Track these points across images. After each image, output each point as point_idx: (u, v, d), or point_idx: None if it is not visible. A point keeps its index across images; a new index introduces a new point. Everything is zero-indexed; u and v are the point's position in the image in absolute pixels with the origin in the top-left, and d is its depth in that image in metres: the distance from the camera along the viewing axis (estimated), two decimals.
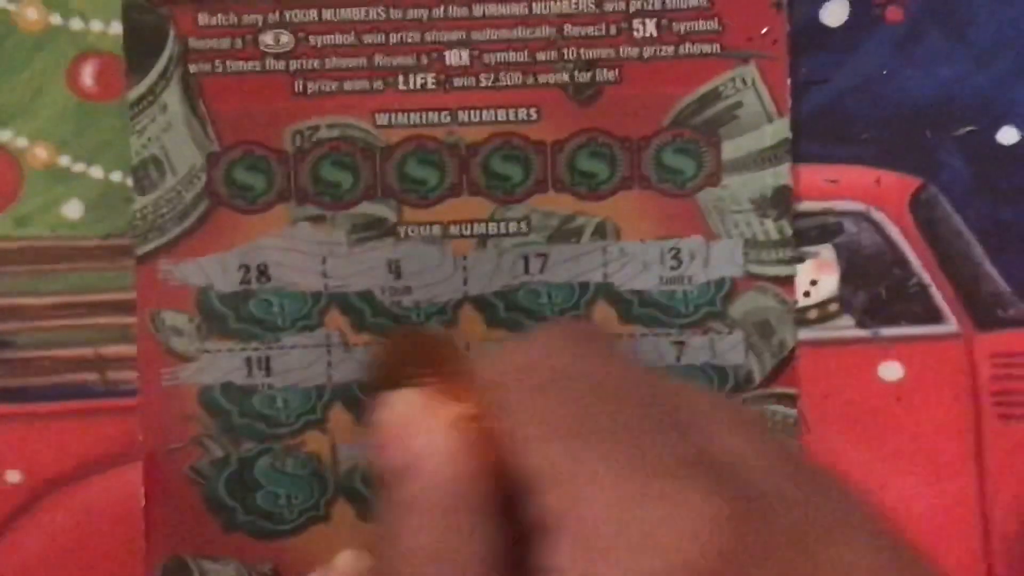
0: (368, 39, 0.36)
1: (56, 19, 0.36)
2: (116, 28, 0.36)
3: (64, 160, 0.36)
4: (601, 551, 0.20)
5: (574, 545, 0.20)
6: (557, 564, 0.20)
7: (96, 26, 0.36)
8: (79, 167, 0.36)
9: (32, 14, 0.36)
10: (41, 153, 0.36)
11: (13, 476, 0.36)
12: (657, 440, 0.21)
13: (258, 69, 0.36)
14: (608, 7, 0.36)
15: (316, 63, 0.36)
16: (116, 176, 0.36)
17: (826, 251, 0.37)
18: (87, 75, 0.36)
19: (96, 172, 0.36)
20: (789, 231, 0.36)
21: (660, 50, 0.36)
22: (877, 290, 0.37)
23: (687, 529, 0.20)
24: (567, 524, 0.20)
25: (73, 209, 0.36)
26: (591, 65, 0.36)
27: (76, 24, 0.36)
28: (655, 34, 0.36)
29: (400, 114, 0.36)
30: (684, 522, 0.20)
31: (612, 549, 0.20)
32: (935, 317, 0.37)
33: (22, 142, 0.36)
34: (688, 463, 0.21)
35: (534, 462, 0.21)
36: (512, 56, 0.36)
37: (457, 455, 0.22)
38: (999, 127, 0.36)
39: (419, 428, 0.22)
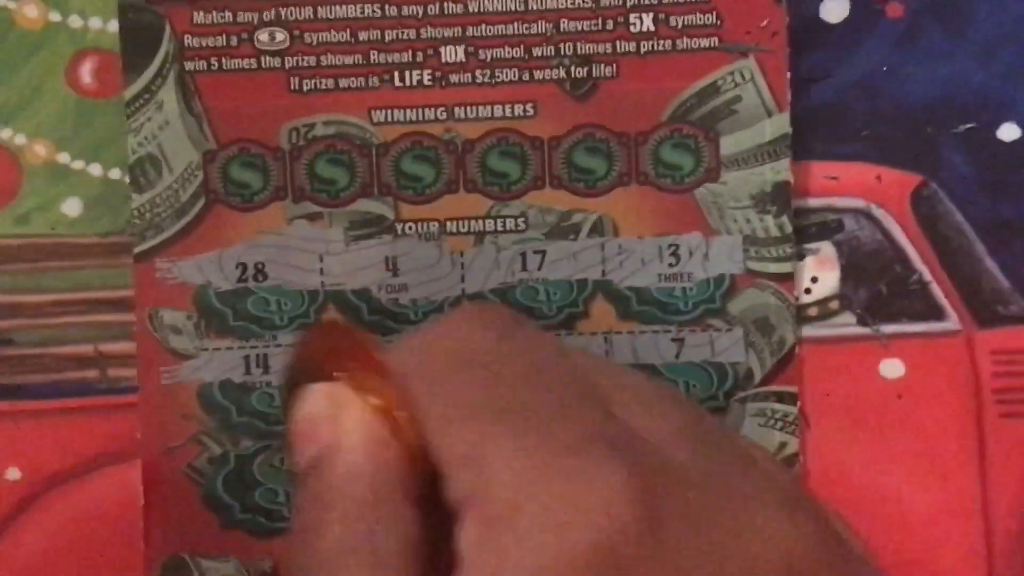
0: (363, 36, 0.36)
1: (55, 16, 0.36)
2: (115, 25, 0.36)
3: (63, 158, 0.37)
4: (508, 531, 0.20)
5: (482, 526, 0.20)
6: (467, 547, 0.20)
7: (95, 23, 0.36)
8: (78, 164, 0.37)
9: (31, 11, 0.36)
10: (40, 150, 0.37)
11: (12, 473, 0.36)
12: (565, 417, 0.21)
13: (254, 67, 0.36)
14: (604, 2, 0.35)
15: (312, 60, 0.36)
16: (115, 174, 0.36)
17: (826, 248, 0.36)
18: (86, 72, 0.36)
19: (95, 169, 0.37)
20: (789, 228, 0.36)
21: (657, 44, 0.36)
22: (878, 287, 0.36)
23: (593, 504, 0.20)
24: (475, 506, 0.20)
25: (72, 207, 0.37)
26: (588, 60, 0.36)
27: (75, 21, 0.36)
28: (652, 28, 0.36)
29: (396, 111, 0.36)
30: (590, 497, 0.20)
31: (519, 528, 0.20)
32: (936, 314, 0.36)
33: (21, 140, 0.36)
34: (596, 439, 0.21)
35: (442, 446, 0.21)
36: (508, 52, 0.36)
37: (371, 446, 0.22)
38: (1000, 124, 0.36)
39: (333, 421, 0.22)
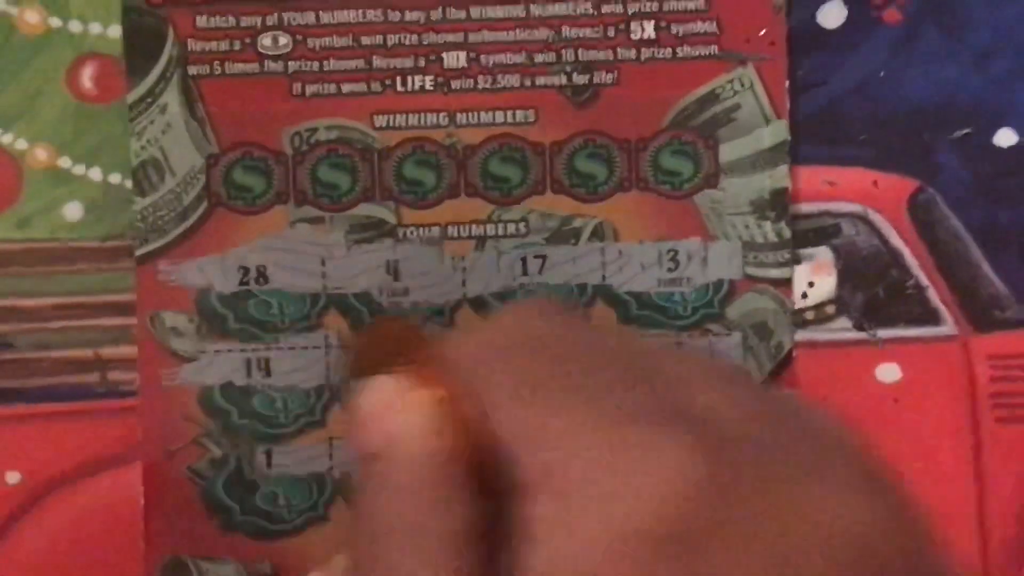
0: (366, 41, 0.36)
1: (55, 22, 0.36)
2: (115, 31, 0.36)
3: (64, 162, 0.37)
4: (578, 500, 0.20)
5: (552, 499, 0.20)
6: (536, 521, 0.20)
7: (95, 28, 0.36)
8: (79, 169, 0.37)
9: (32, 17, 0.36)
10: (41, 155, 0.37)
11: (13, 477, 0.36)
12: (628, 393, 0.21)
13: (256, 71, 0.36)
14: (606, 9, 0.36)
15: (314, 65, 0.36)
16: (115, 178, 0.37)
17: (823, 253, 0.37)
18: (86, 77, 0.37)
19: (96, 174, 0.37)
20: (787, 233, 0.36)
21: (658, 52, 0.36)
22: (875, 292, 0.37)
23: (660, 473, 0.20)
24: (543, 480, 0.21)
25: (73, 211, 0.37)
26: (589, 67, 0.36)
27: (75, 27, 0.36)
28: (653, 36, 0.36)
29: (398, 116, 0.36)
30: (657, 466, 0.20)
31: (588, 497, 0.20)
32: (933, 319, 0.37)
33: (22, 144, 0.37)
34: (659, 412, 0.21)
35: (507, 428, 0.22)
36: (510, 58, 0.36)
37: (431, 434, 0.22)
38: (996, 129, 0.36)
39: (393, 411, 0.23)
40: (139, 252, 0.36)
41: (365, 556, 0.22)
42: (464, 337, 0.24)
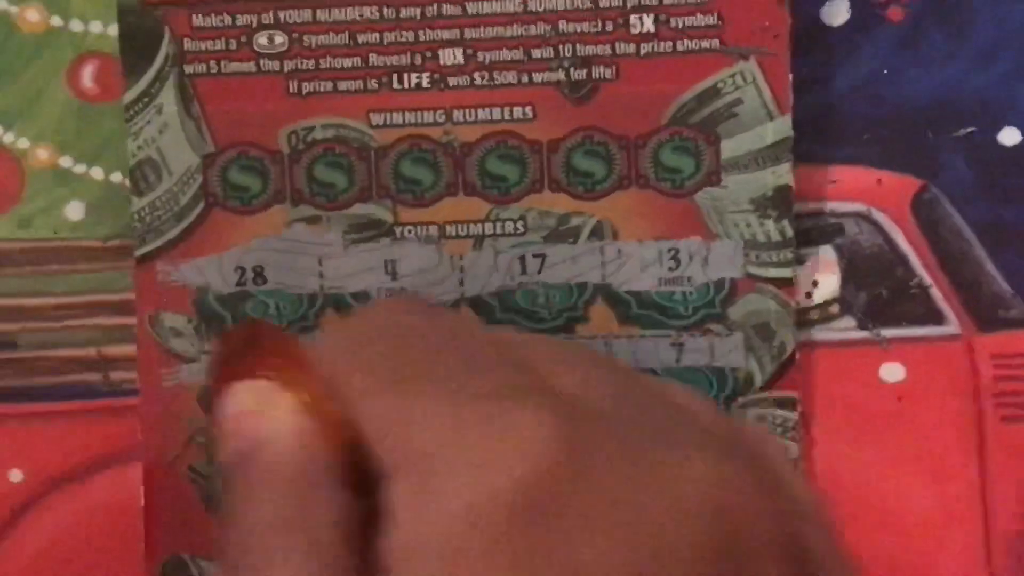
0: (362, 39, 0.36)
1: (56, 21, 0.36)
2: (115, 29, 0.36)
3: (65, 161, 0.37)
4: (434, 478, 0.20)
5: (408, 480, 0.21)
6: (393, 504, 0.21)
7: (96, 27, 0.36)
8: (80, 168, 0.37)
9: (32, 16, 0.36)
10: (42, 154, 0.37)
11: (15, 475, 0.37)
12: (486, 376, 0.22)
13: (253, 70, 0.36)
14: (604, 3, 0.35)
15: (310, 64, 0.36)
16: (116, 177, 0.37)
17: (827, 252, 0.36)
18: (87, 76, 0.37)
19: (97, 173, 0.37)
20: (790, 232, 0.36)
21: (658, 46, 0.35)
22: (878, 291, 0.36)
23: (514, 445, 0.20)
24: (402, 464, 0.21)
25: (74, 211, 0.37)
26: (587, 62, 0.35)
27: (76, 26, 0.36)
28: (652, 30, 0.35)
29: (395, 114, 0.36)
30: (511, 439, 0.20)
31: (445, 473, 0.20)
32: (936, 318, 0.36)
33: (23, 144, 0.37)
34: (516, 387, 0.21)
35: (367, 418, 0.22)
36: (507, 54, 0.36)
37: (299, 436, 0.22)
38: (1000, 128, 0.36)
39: (260, 416, 0.23)
40: (137, 253, 0.36)
41: (238, 562, 0.22)
42: (326, 334, 0.24)
